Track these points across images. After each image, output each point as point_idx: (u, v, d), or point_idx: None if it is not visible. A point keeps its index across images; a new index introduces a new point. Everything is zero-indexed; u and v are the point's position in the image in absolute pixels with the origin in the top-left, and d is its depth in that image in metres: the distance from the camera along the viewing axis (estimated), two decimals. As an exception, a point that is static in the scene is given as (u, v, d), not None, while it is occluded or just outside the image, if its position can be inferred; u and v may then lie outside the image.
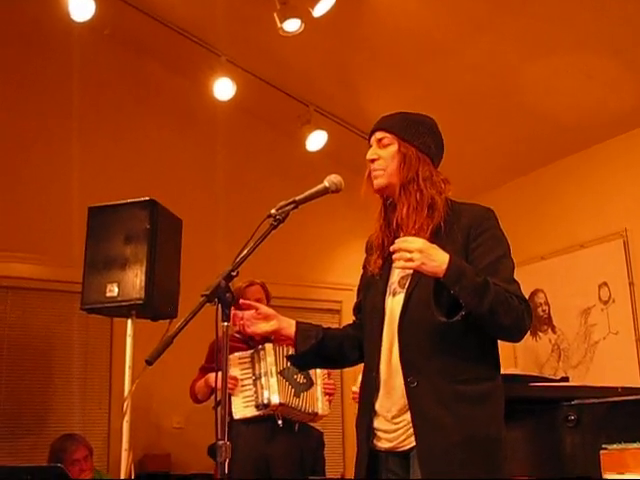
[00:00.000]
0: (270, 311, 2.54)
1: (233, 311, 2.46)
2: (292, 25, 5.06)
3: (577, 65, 5.10)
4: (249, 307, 2.53)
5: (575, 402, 3.10)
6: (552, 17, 4.84)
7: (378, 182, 2.46)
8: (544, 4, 4.79)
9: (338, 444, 6.24)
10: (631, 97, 5.24)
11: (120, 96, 6.09)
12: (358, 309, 2.65)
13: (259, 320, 2.51)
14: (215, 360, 2.41)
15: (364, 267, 2.60)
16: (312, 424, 4.39)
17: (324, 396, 4.25)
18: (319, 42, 5.51)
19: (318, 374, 4.27)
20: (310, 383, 4.23)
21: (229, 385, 4.03)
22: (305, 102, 6.15)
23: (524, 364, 6.12)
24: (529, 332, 6.31)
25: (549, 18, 4.85)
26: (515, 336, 2.32)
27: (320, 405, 4.22)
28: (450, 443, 2.21)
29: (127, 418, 3.74)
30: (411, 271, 2.32)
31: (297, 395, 4.13)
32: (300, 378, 4.18)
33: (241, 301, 2.57)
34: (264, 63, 5.92)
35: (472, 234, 2.36)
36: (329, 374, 4.34)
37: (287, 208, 2.35)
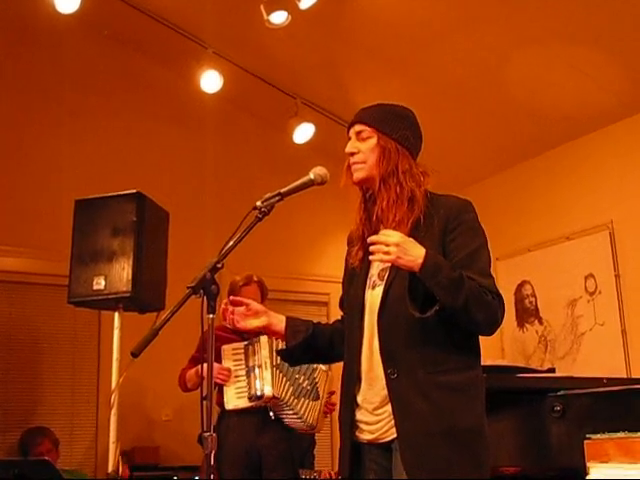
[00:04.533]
0: (260, 307, 2.55)
1: (223, 307, 2.48)
2: (279, 17, 5.06)
3: (564, 57, 5.11)
4: (240, 303, 2.54)
5: (561, 393, 3.12)
6: (539, 9, 4.85)
7: (357, 175, 2.44)
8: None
9: (327, 440, 6.23)
10: (617, 89, 5.26)
11: (107, 89, 6.07)
12: (343, 303, 2.65)
13: (249, 316, 2.52)
14: (204, 351, 2.42)
15: (346, 260, 2.59)
16: None
17: (322, 413, 4.24)
18: (306, 34, 5.50)
19: (325, 391, 4.24)
20: (316, 395, 4.20)
21: (222, 376, 4.07)
22: (292, 94, 6.15)
23: (511, 355, 6.15)
24: (516, 323, 6.39)
25: (536, 10, 4.86)
26: (487, 330, 2.32)
27: (319, 419, 4.20)
28: (430, 432, 2.22)
29: (115, 411, 3.74)
30: (390, 264, 2.32)
31: (296, 396, 4.12)
32: (303, 381, 4.17)
33: (231, 297, 2.58)
34: (251, 55, 5.91)
35: (450, 226, 2.36)
36: (333, 393, 4.26)
37: (272, 200, 2.36)
